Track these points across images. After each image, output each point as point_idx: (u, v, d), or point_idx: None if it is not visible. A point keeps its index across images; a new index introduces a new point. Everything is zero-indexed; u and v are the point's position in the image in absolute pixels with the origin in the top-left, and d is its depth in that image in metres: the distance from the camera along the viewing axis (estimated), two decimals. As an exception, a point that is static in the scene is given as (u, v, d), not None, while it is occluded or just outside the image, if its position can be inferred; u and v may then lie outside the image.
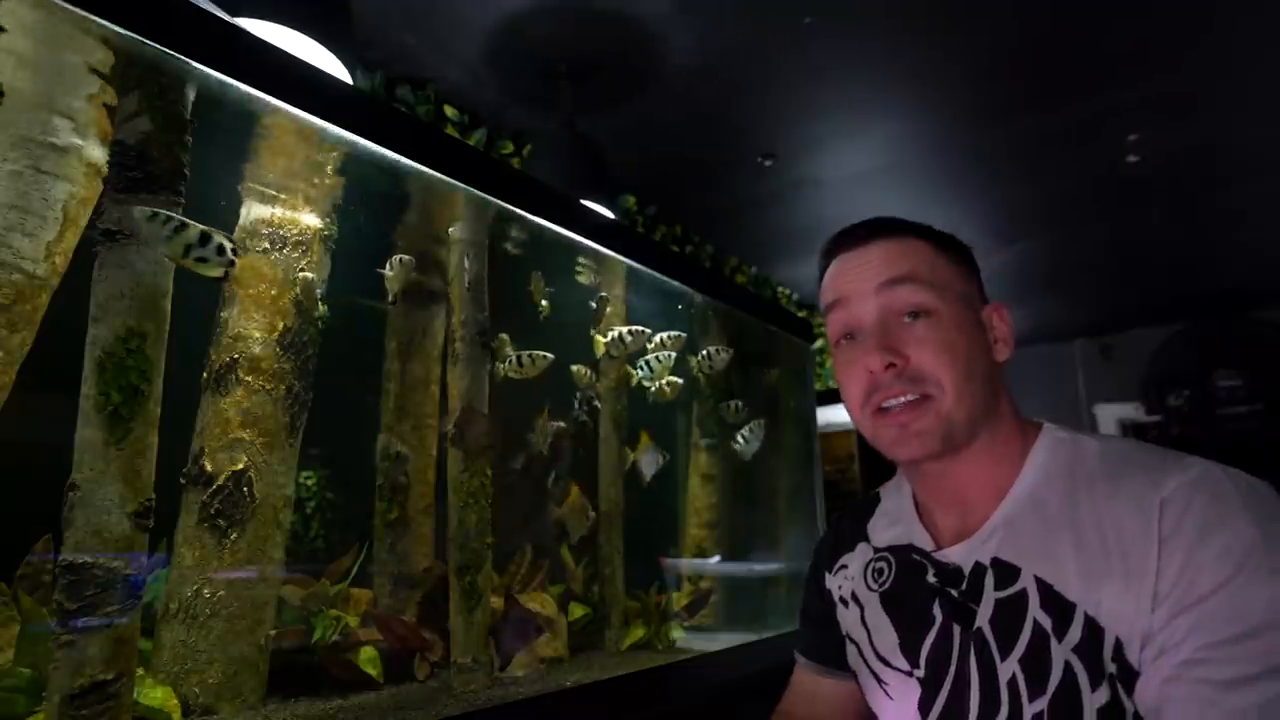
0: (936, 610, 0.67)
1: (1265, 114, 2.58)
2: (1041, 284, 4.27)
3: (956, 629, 0.65)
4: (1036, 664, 0.58)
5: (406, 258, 1.37)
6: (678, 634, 1.82)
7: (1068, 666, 0.56)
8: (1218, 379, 4.49)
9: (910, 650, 0.69)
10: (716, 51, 2.16)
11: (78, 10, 0.84)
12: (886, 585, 0.74)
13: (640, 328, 1.78)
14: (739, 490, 2.24)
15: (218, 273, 1.00)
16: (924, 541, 0.71)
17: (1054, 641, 0.57)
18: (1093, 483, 0.61)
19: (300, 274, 1.23)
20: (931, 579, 0.68)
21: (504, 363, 1.59)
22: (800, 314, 2.90)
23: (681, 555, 2.11)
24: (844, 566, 0.82)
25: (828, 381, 4.27)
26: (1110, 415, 5.07)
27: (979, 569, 0.64)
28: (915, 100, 2.48)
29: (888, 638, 0.72)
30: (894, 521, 0.77)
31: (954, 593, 0.65)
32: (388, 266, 1.29)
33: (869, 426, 0.68)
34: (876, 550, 0.77)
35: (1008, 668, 0.60)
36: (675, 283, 1.83)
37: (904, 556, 0.73)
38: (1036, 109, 2.55)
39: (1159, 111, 2.55)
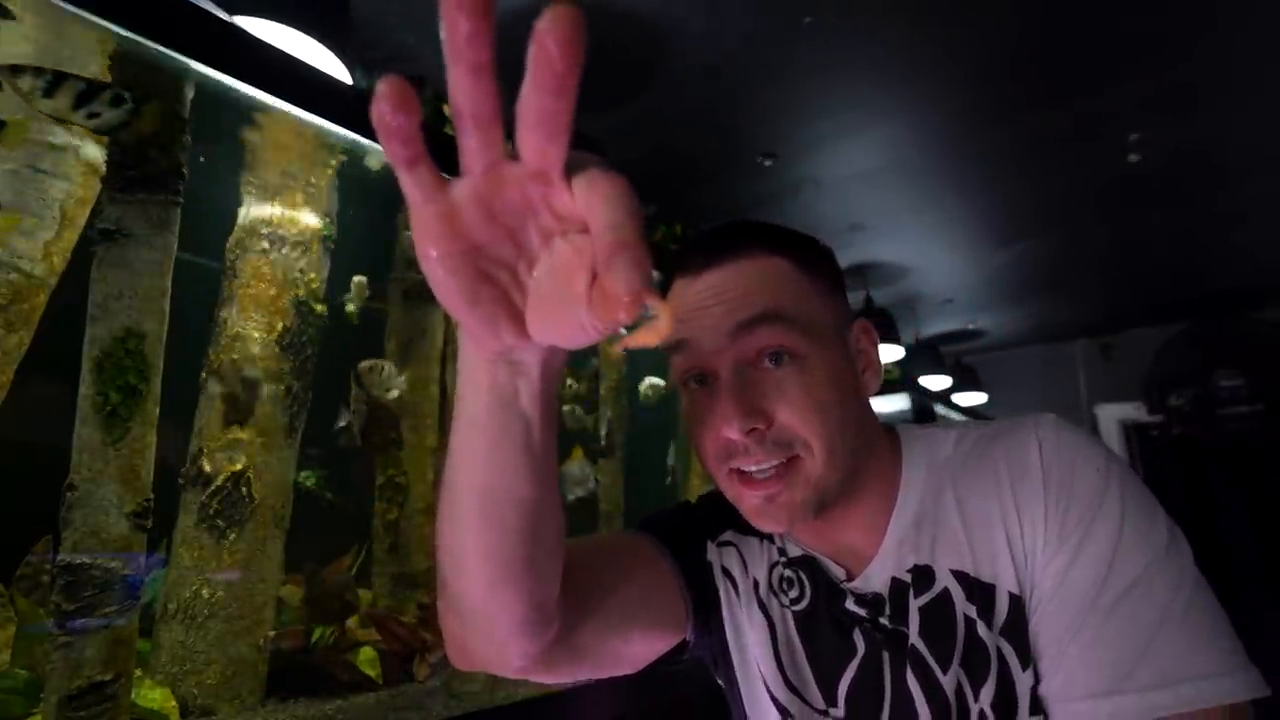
0: (858, 640, 0.59)
1: (1268, 113, 2.58)
2: (1041, 284, 4.26)
3: (888, 656, 0.58)
4: (975, 660, 0.55)
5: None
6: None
7: (999, 653, 0.54)
8: (1219, 379, 4.48)
9: (826, 684, 0.60)
10: (717, 51, 2.15)
11: (79, 10, 0.84)
12: (803, 605, 0.63)
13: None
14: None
15: (116, 122, 0.85)
16: (831, 568, 0.62)
17: (983, 629, 0.55)
18: (963, 464, 0.59)
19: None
20: (853, 606, 0.60)
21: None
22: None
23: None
24: (729, 544, 0.68)
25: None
26: (1111, 415, 5.06)
27: (899, 585, 0.58)
28: (916, 100, 2.48)
29: (800, 666, 0.62)
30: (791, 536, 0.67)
31: (884, 621, 0.58)
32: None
33: (726, 487, 0.58)
34: (785, 555, 0.65)
35: (951, 677, 0.55)
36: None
37: (818, 575, 0.63)
38: (1037, 108, 2.54)
39: (1160, 111, 2.55)
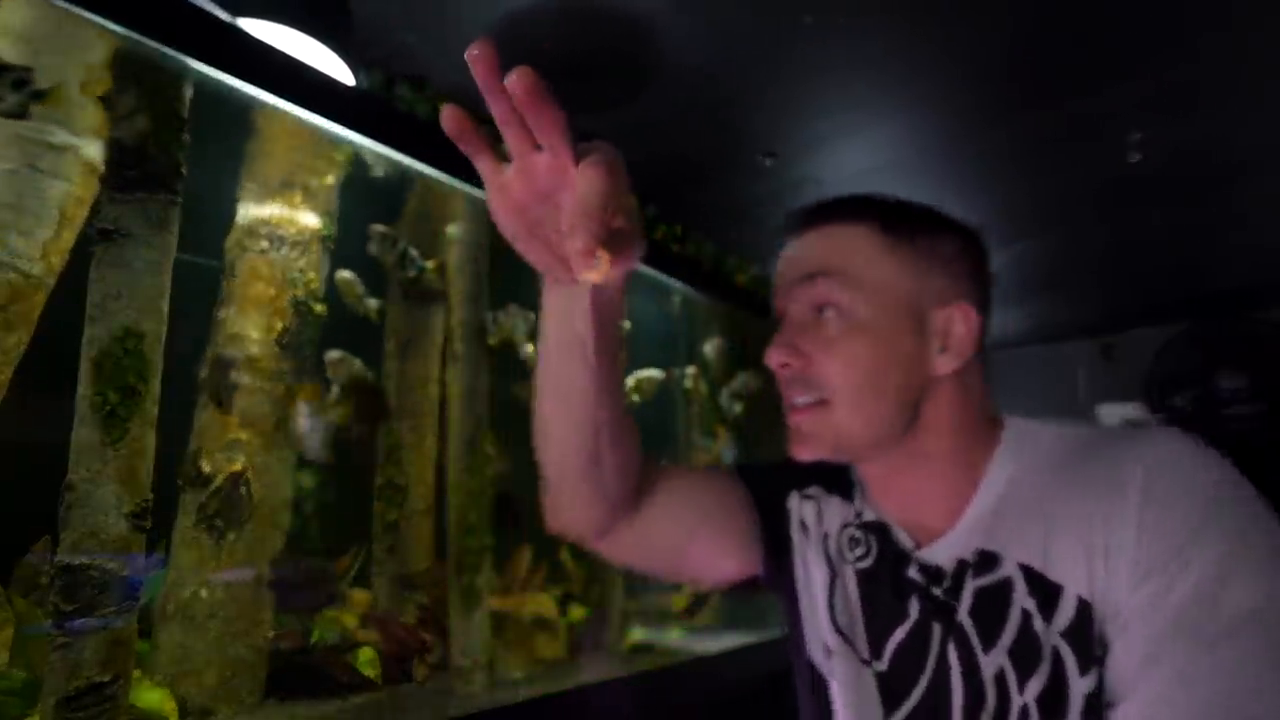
0: (913, 605, 0.62)
1: (1269, 113, 2.58)
2: (1041, 284, 4.25)
3: (937, 627, 0.60)
4: (1026, 653, 0.55)
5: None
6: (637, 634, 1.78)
7: (1055, 652, 0.54)
8: (1221, 379, 4.47)
9: (875, 640, 0.64)
10: (717, 50, 2.15)
11: (79, 10, 0.84)
12: (866, 564, 0.67)
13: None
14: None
15: (19, 108, 0.83)
16: (902, 537, 0.66)
17: (1042, 626, 0.54)
18: (1066, 466, 0.58)
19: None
20: (913, 574, 0.63)
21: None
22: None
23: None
24: (811, 498, 0.74)
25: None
26: (1111, 416, 5.05)
27: (962, 565, 0.60)
28: (916, 99, 2.47)
29: (853, 614, 0.66)
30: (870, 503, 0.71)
31: (938, 592, 0.61)
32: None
33: (786, 414, 0.65)
34: (859, 518, 0.69)
35: (992, 660, 0.56)
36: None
37: (887, 540, 0.66)
38: (1037, 108, 2.54)
39: (1160, 111, 2.54)
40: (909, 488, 0.64)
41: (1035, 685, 0.54)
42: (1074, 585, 0.54)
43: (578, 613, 1.67)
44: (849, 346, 0.60)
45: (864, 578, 0.67)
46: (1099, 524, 0.53)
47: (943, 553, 0.62)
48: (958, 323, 0.62)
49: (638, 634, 1.71)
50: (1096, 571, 0.53)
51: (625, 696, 1.37)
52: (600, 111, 2.42)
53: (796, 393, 0.62)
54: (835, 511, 0.71)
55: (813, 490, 0.74)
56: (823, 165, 2.87)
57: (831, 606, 0.67)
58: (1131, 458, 0.54)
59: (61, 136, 0.90)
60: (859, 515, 0.69)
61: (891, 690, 0.61)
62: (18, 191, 0.87)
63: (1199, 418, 4.71)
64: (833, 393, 0.60)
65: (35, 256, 0.89)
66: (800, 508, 0.74)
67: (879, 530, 0.67)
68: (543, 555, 1.67)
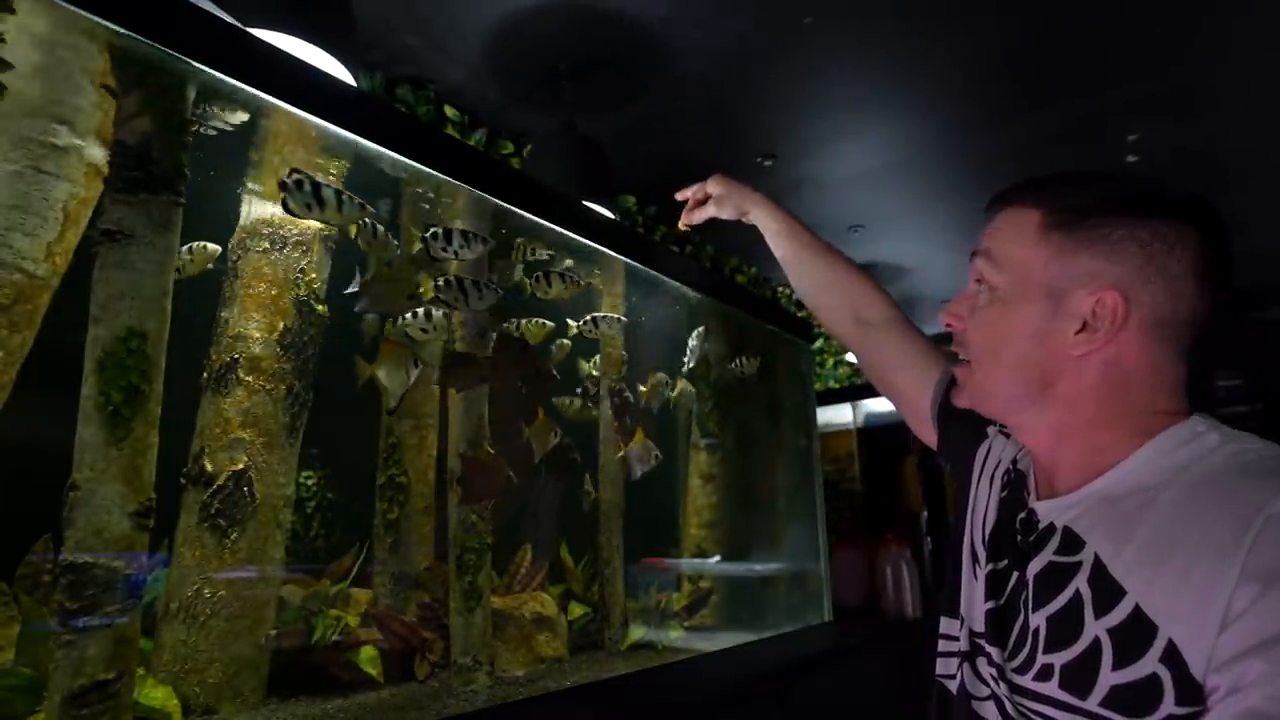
0: (1009, 547, 0.71)
1: (1265, 114, 2.58)
2: (1041, 284, 4.26)
3: (1015, 573, 0.69)
4: (1063, 626, 0.60)
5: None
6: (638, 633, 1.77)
7: (1095, 641, 0.57)
8: (1218, 379, 4.48)
9: (991, 555, 0.74)
10: (717, 51, 2.16)
11: (84, 13, 0.84)
12: (1004, 494, 0.77)
13: (613, 315, 1.77)
14: (737, 489, 2.24)
15: None
16: (1031, 486, 0.73)
17: (1090, 615, 0.58)
18: (1199, 485, 0.57)
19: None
20: (1019, 520, 0.71)
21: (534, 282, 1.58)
22: (800, 314, 2.90)
23: (681, 555, 2.11)
24: (1006, 434, 0.83)
25: (828, 381, 4.27)
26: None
27: (1050, 529, 0.66)
28: (915, 100, 2.48)
29: (987, 531, 0.76)
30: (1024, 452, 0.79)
31: (1023, 544, 0.69)
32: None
33: None
34: (1014, 464, 0.78)
35: (1038, 618, 0.63)
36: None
37: (1022, 485, 0.75)
38: (1036, 108, 2.55)
39: (1160, 112, 2.55)
40: (1042, 447, 0.69)
41: (1064, 656, 0.59)
42: (1135, 593, 0.56)
43: (578, 611, 1.67)
44: (985, 318, 0.69)
45: (1001, 505, 0.77)
46: (1195, 552, 0.53)
47: (1044, 513, 0.68)
48: (1100, 307, 0.62)
49: (638, 632, 1.72)
50: (1169, 591, 0.53)
51: (625, 695, 1.37)
52: (601, 112, 2.43)
53: (958, 349, 0.73)
54: (1006, 451, 0.82)
55: (1000, 431, 0.85)
56: (822, 166, 2.88)
57: (984, 522, 0.77)
58: (1266, 502, 0.52)
59: (66, 138, 0.90)
60: (1016, 461, 0.78)
61: (989, 592, 0.71)
62: (23, 192, 0.87)
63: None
64: (973, 356, 0.71)
65: (40, 257, 0.89)
66: (991, 439, 0.85)
67: (1020, 476, 0.76)
68: (542, 554, 1.68)
